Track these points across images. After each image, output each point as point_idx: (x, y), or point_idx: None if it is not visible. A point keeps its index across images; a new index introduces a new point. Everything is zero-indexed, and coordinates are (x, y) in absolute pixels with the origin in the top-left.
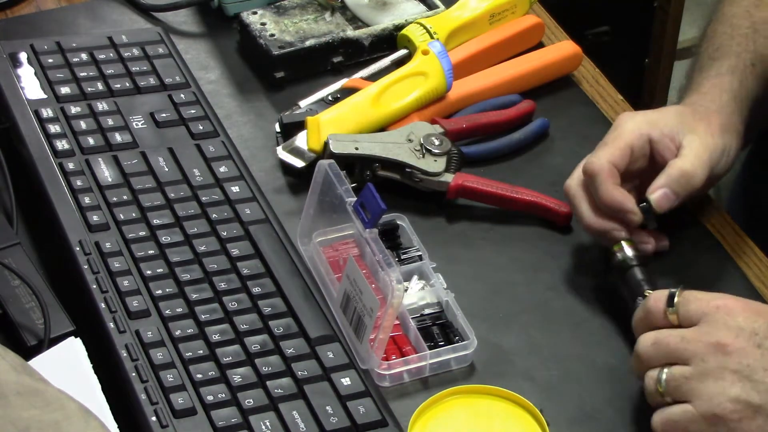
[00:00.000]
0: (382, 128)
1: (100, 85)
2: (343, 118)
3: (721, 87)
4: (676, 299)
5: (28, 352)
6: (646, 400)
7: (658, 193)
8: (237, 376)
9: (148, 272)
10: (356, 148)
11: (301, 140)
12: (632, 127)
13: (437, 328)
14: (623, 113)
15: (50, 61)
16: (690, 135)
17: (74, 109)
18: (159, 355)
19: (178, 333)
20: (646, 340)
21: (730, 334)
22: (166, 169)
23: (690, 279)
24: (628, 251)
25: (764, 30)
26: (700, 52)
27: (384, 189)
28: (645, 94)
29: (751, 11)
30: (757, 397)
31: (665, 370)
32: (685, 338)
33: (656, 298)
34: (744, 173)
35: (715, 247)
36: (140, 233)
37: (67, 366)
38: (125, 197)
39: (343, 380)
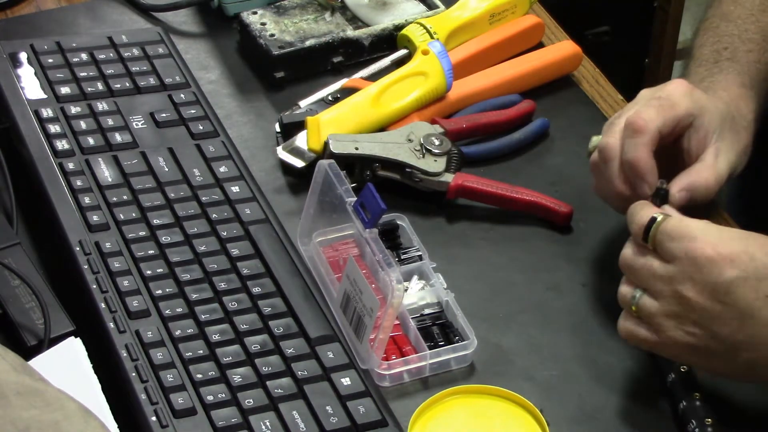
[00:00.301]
0: (382, 128)
1: (100, 85)
2: (343, 118)
3: (746, 102)
4: (651, 233)
5: (28, 352)
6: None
7: (682, 193)
8: (237, 376)
9: (148, 272)
10: (356, 148)
11: (301, 140)
12: (688, 105)
13: (437, 328)
14: (679, 81)
15: (50, 61)
16: (723, 144)
17: (74, 109)
18: (159, 355)
19: (178, 333)
20: (623, 258)
21: (693, 288)
22: (166, 169)
23: None
24: None
25: None
26: (703, 44)
27: (384, 189)
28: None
29: (758, 16)
30: (713, 344)
31: (638, 295)
32: (655, 275)
33: (639, 221)
34: (744, 172)
35: None
36: (140, 233)
37: (67, 366)
38: (125, 197)
39: (343, 380)
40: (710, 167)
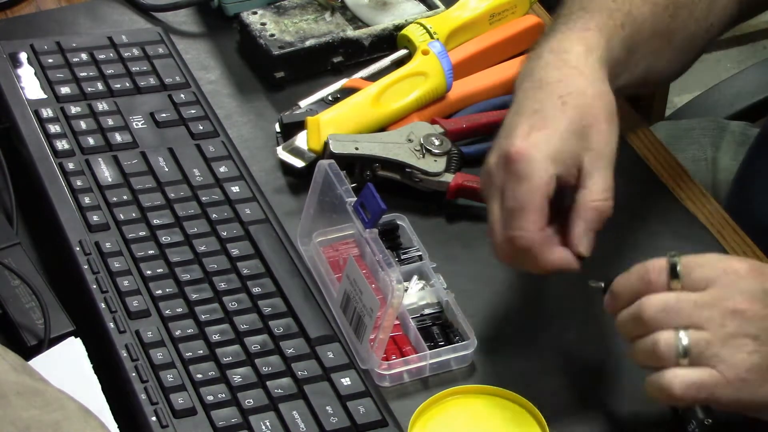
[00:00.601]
0: (382, 128)
1: (100, 85)
2: (343, 118)
3: (587, 44)
4: (678, 268)
5: (28, 352)
6: (640, 360)
7: (584, 244)
8: (237, 376)
9: (148, 272)
10: (356, 148)
11: (301, 140)
12: (541, 175)
13: (437, 328)
14: (522, 155)
15: (50, 61)
16: (589, 154)
17: (74, 109)
18: (159, 355)
19: (178, 333)
20: (654, 305)
21: (744, 299)
22: (166, 169)
23: None
24: None
25: None
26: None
27: (384, 189)
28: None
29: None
30: None
31: (683, 334)
32: (698, 303)
33: (655, 269)
34: (742, 172)
35: (715, 246)
36: (140, 233)
37: (67, 366)
38: (125, 197)
39: (343, 380)
40: (592, 190)
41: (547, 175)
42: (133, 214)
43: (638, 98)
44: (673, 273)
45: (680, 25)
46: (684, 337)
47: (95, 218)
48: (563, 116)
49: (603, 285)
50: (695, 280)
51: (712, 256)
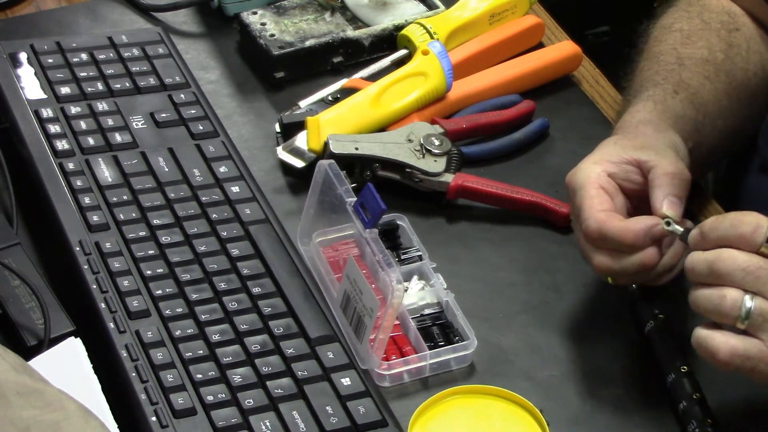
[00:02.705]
0: (382, 128)
1: (100, 85)
2: (343, 118)
3: (639, 112)
4: None
5: (28, 352)
6: (701, 309)
7: (665, 205)
8: (237, 376)
9: (148, 272)
10: (356, 148)
11: (301, 140)
12: (588, 174)
13: (437, 328)
14: (571, 174)
15: (50, 61)
16: (643, 150)
17: (74, 109)
18: (159, 355)
19: (178, 333)
20: (735, 261)
21: None
22: (166, 169)
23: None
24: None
25: (690, 64)
26: (630, 87)
27: (384, 189)
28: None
29: (678, 48)
30: None
31: (749, 298)
32: None
33: (752, 223)
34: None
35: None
36: (140, 233)
37: (67, 366)
38: (125, 197)
39: (343, 380)
40: (657, 166)
41: (593, 172)
42: (133, 214)
43: None
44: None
45: (732, 79)
46: (749, 302)
47: (95, 218)
48: (606, 141)
49: (681, 229)
50: None
51: None
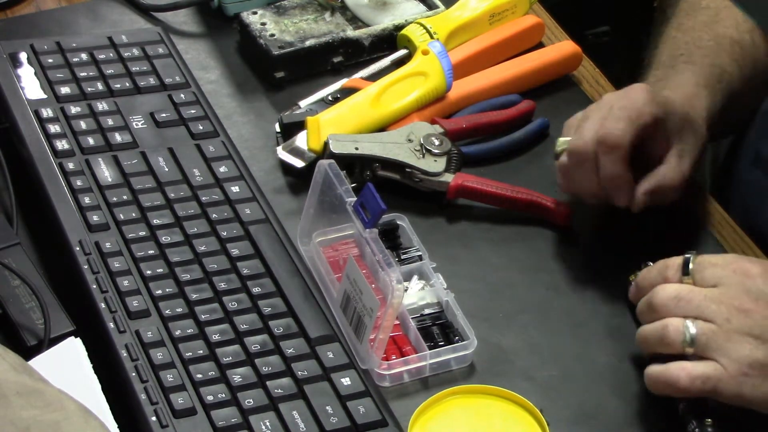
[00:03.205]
0: (382, 128)
1: (100, 85)
2: (343, 118)
3: (700, 101)
4: (690, 266)
5: (28, 352)
6: (648, 345)
7: (644, 196)
8: (237, 376)
9: (148, 272)
10: (356, 148)
11: (301, 140)
12: (652, 111)
13: (437, 328)
14: (640, 86)
15: (50, 61)
16: (686, 145)
17: (74, 109)
18: (159, 355)
19: (178, 333)
20: (667, 292)
21: (750, 299)
22: (166, 169)
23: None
24: None
25: (725, 45)
26: (661, 52)
27: (384, 189)
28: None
29: (711, 26)
30: None
31: (691, 323)
32: (708, 297)
33: (673, 265)
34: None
35: (713, 245)
36: (140, 233)
37: (67, 366)
38: (125, 197)
39: (343, 380)
40: (675, 169)
41: (654, 112)
42: (133, 214)
43: None
44: (685, 270)
45: (755, 64)
46: (692, 326)
47: (95, 218)
48: (679, 102)
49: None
50: (706, 278)
51: (727, 256)
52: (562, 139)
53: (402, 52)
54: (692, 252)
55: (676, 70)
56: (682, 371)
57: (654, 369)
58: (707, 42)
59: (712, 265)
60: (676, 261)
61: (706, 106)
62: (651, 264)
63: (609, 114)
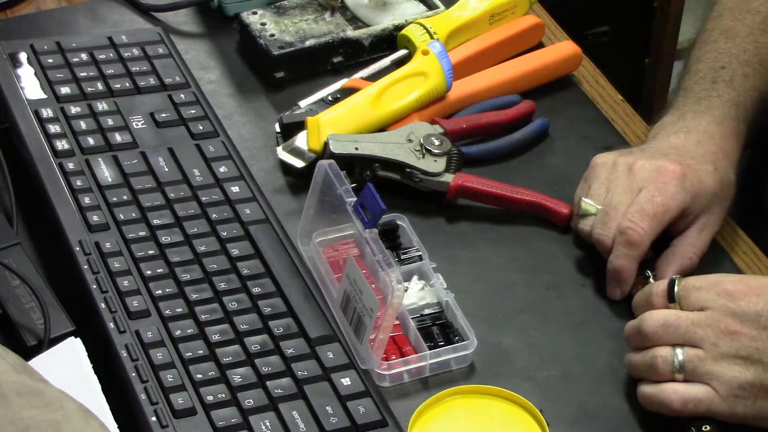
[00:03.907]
0: (382, 128)
1: (100, 85)
2: (343, 118)
3: (738, 139)
4: (675, 292)
5: (28, 352)
6: (638, 372)
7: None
8: (237, 376)
9: (148, 272)
10: (356, 148)
11: (301, 140)
12: (681, 202)
13: (437, 328)
14: (673, 170)
15: (50, 61)
16: (710, 218)
17: (74, 109)
18: (159, 355)
19: (178, 333)
20: (655, 320)
21: (735, 321)
22: (166, 169)
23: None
24: None
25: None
26: (701, 58)
27: (384, 189)
28: (645, 94)
29: (757, 36)
30: None
31: (679, 350)
32: (695, 322)
33: (659, 291)
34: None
35: (712, 243)
36: (140, 233)
37: (67, 366)
38: (125, 197)
39: (343, 380)
40: (694, 244)
41: (682, 205)
42: (133, 214)
43: (638, 98)
44: (671, 297)
45: None
46: (680, 354)
47: (95, 218)
48: (710, 167)
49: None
50: (691, 303)
51: (710, 278)
52: (585, 204)
53: (402, 52)
54: (676, 276)
55: (717, 91)
56: (674, 394)
57: (647, 389)
58: (751, 56)
59: (696, 289)
60: (662, 286)
61: (741, 144)
62: (650, 275)
63: (636, 203)
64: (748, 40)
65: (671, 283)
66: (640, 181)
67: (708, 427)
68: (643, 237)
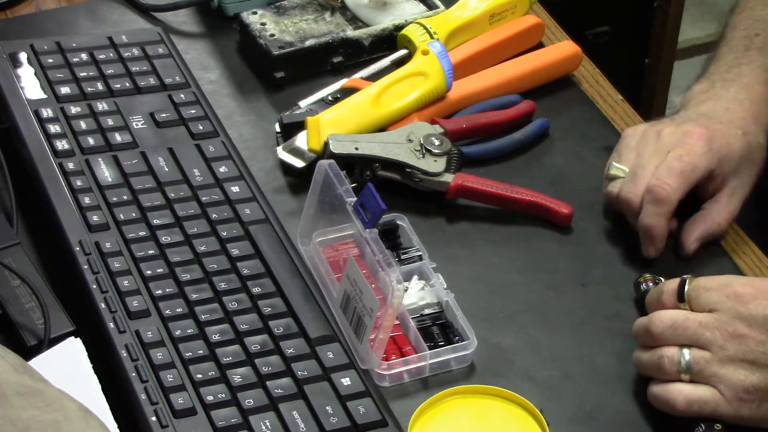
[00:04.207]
0: (382, 128)
1: (100, 85)
2: (343, 118)
3: (766, 102)
4: (685, 292)
5: (28, 352)
6: (645, 370)
7: (695, 244)
8: (237, 376)
9: (148, 272)
10: (356, 148)
11: (301, 140)
12: (708, 163)
13: (437, 328)
14: (699, 133)
15: (50, 61)
16: (739, 182)
17: (74, 109)
18: (159, 355)
19: (178, 333)
20: (663, 321)
21: (744, 324)
22: (166, 169)
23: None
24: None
25: None
26: (736, 26)
27: (384, 189)
28: (645, 94)
29: None
30: None
31: (686, 351)
32: (703, 324)
33: (669, 290)
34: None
35: (727, 262)
36: (140, 233)
37: (67, 366)
38: (125, 197)
39: (343, 380)
40: (724, 209)
41: (710, 166)
42: (133, 214)
43: (638, 98)
44: (681, 297)
45: None
46: (687, 354)
47: (95, 218)
48: (739, 132)
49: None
50: (701, 304)
51: (721, 279)
52: (614, 168)
53: (402, 52)
54: (687, 276)
55: (749, 58)
56: (679, 395)
57: (654, 388)
58: None
59: (707, 290)
60: (672, 285)
61: None
62: (655, 281)
63: (664, 163)
64: None
65: (682, 283)
66: (668, 144)
67: (719, 426)
68: (670, 194)
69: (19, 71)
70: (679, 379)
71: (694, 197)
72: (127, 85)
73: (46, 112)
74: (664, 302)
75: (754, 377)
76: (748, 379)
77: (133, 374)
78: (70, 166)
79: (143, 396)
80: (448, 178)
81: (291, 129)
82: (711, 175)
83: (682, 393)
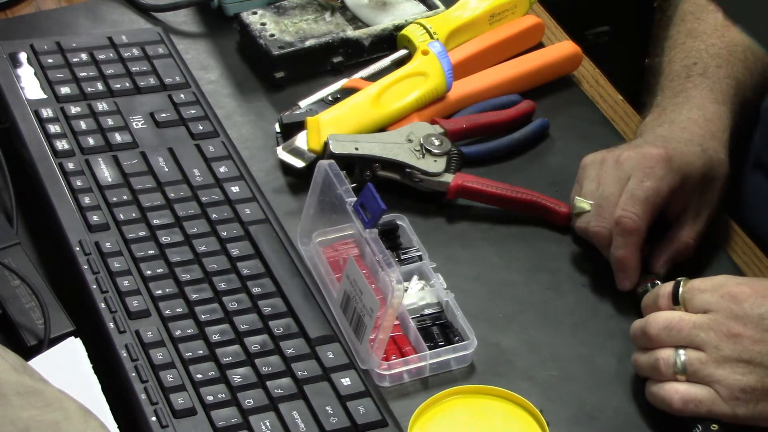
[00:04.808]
0: (382, 128)
1: (100, 85)
2: (343, 118)
3: (722, 120)
4: (680, 294)
5: (28, 352)
6: (643, 372)
7: (665, 267)
8: (237, 376)
9: (148, 272)
10: (356, 149)
11: (301, 140)
12: (671, 183)
13: (437, 328)
14: (658, 153)
15: (50, 61)
16: (703, 201)
17: (74, 109)
18: (159, 355)
19: (178, 333)
20: (658, 323)
21: (739, 324)
22: (166, 169)
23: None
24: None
25: (737, 53)
26: (672, 60)
27: (384, 189)
28: (645, 94)
29: (722, 31)
30: None
31: (681, 352)
32: (697, 325)
33: (665, 293)
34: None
35: (712, 244)
36: (140, 233)
37: (67, 366)
38: (125, 197)
39: (343, 380)
40: (690, 229)
41: (672, 185)
42: (133, 214)
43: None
44: (675, 299)
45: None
46: (682, 356)
47: (95, 218)
48: (698, 149)
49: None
50: (695, 305)
51: (716, 279)
52: (579, 201)
53: (402, 52)
54: (682, 278)
55: (693, 83)
56: (675, 394)
57: (652, 387)
58: (720, 49)
59: (701, 291)
60: (667, 288)
61: (727, 125)
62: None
63: (626, 191)
64: (714, 35)
65: (676, 285)
66: (627, 169)
67: (716, 426)
68: (638, 223)
69: (19, 71)
70: (675, 379)
71: (660, 216)
72: (127, 85)
73: (46, 112)
74: (659, 305)
75: (750, 377)
76: (744, 379)
77: (133, 374)
78: (70, 166)
79: (143, 396)
80: (448, 178)
81: (291, 129)
82: (675, 196)
83: (678, 392)
